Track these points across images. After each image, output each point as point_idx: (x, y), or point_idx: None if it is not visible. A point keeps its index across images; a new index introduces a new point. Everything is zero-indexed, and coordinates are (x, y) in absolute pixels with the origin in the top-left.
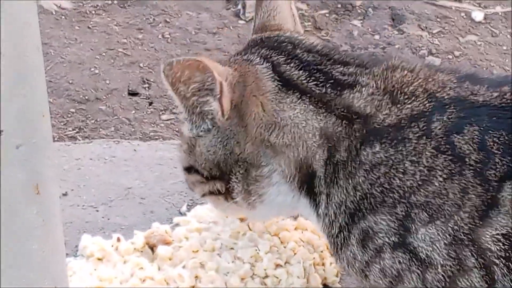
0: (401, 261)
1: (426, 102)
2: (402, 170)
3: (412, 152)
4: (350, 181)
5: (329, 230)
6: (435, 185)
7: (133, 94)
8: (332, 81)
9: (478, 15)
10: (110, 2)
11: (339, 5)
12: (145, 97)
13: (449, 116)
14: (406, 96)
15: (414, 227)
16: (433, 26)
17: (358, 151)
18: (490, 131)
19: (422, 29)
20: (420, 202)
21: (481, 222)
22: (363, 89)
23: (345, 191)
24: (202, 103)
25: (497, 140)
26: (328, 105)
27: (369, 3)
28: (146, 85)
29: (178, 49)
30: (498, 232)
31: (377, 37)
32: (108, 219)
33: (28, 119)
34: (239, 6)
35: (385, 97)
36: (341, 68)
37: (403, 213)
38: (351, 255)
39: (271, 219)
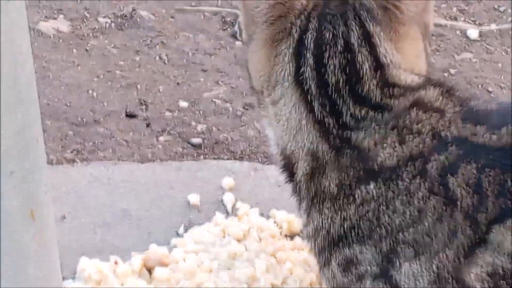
0: None
1: (428, 140)
2: (392, 208)
3: (404, 192)
4: (339, 213)
5: (311, 244)
6: (424, 225)
7: (130, 116)
8: (341, 120)
9: (473, 33)
10: (107, 24)
11: None
12: (142, 118)
13: (447, 156)
14: (411, 135)
15: (398, 262)
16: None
17: (352, 191)
18: (486, 169)
19: None
20: (407, 239)
21: (466, 261)
22: (367, 130)
23: (329, 220)
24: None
25: (492, 180)
26: (327, 133)
27: None
28: (144, 107)
29: (175, 70)
30: (483, 270)
31: None
32: (106, 241)
33: (21, 145)
34: (236, 27)
35: (392, 133)
36: (354, 108)
37: (389, 248)
38: (331, 274)
39: None
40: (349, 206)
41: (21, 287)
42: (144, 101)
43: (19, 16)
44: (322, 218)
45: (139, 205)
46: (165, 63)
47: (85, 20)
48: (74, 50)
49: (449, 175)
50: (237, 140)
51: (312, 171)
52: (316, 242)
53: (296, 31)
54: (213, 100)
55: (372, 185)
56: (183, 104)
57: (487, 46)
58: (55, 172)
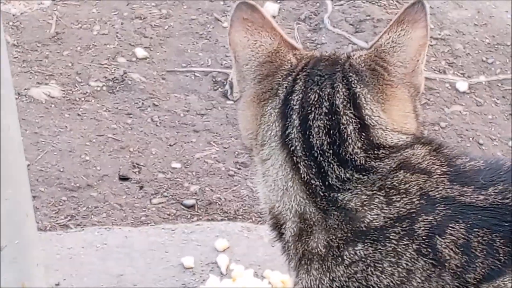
0: None
1: (415, 201)
2: (380, 269)
3: (392, 253)
4: (328, 275)
5: None
6: (413, 285)
7: (123, 179)
8: (327, 182)
9: (462, 86)
10: (98, 88)
11: None
12: (135, 181)
13: (435, 217)
14: (399, 196)
15: None
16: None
17: (340, 251)
18: (475, 229)
19: None
20: None
21: None
22: (354, 192)
23: (318, 281)
24: None
25: (481, 240)
26: (314, 195)
27: None
28: (137, 170)
29: (167, 132)
30: None
31: None
32: None
33: (12, 221)
34: (227, 87)
35: (379, 194)
36: (339, 170)
37: None
38: None
39: None
40: (337, 268)
41: None
42: (137, 164)
43: (7, 89)
44: (310, 279)
45: (133, 270)
46: (157, 125)
47: (76, 84)
48: (66, 115)
49: (437, 236)
50: (231, 200)
51: (299, 232)
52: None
53: (282, 92)
54: (206, 160)
55: (359, 246)
56: (176, 165)
57: (477, 98)
58: (48, 239)
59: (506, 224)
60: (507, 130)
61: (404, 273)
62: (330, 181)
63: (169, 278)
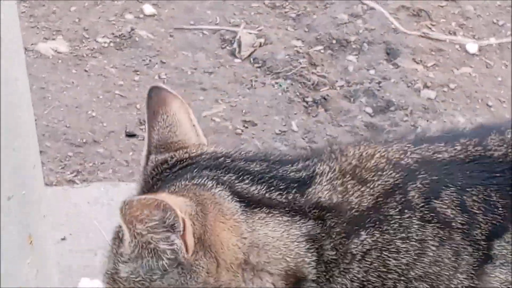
0: None
1: (393, 173)
2: (395, 250)
3: (399, 229)
4: (347, 276)
5: None
6: (430, 255)
7: (130, 135)
8: (293, 184)
9: (472, 47)
10: (106, 44)
11: (334, 41)
12: (142, 138)
13: (423, 182)
14: (371, 173)
15: None
16: (428, 59)
17: (346, 246)
18: (467, 189)
19: (417, 63)
20: (419, 274)
21: (480, 283)
22: (322, 178)
23: (344, 287)
24: (159, 240)
25: (476, 199)
26: (301, 210)
27: (363, 39)
28: (143, 127)
29: (174, 89)
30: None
31: (372, 72)
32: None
33: (19, 171)
34: (235, 45)
35: (346, 178)
36: (292, 167)
37: None
38: None
39: None
40: (351, 265)
41: None
42: (144, 121)
43: (15, 43)
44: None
45: None
46: (164, 83)
47: (83, 40)
48: (73, 71)
49: (434, 200)
50: None
51: (319, 257)
52: None
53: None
54: (213, 118)
55: (363, 235)
56: None
57: (487, 60)
58: (55, 194)
59: (498, 175)
60: None
61: (418, 245)
62: (293, 178)
63: None
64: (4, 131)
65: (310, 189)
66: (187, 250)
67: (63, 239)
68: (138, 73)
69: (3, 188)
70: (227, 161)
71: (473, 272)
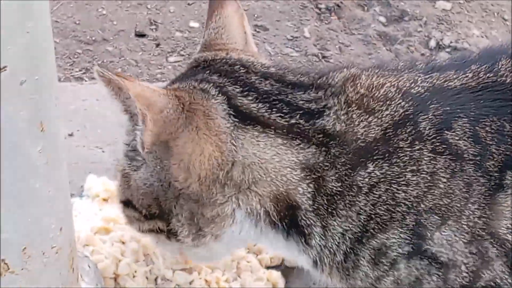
0: (419, 268)
1: (403, 102)
2: (404, 183)
3: (410, 161)
4: (353, 209)
5: (332, 258)
6: (441, 187)
7: (140, 35)
8: (301, 111)
9: None
10: None
11: None
12: (152, 38)
13: (435, 113)
14: (380, 102)
15: (428, 234)
16: None
17: (352, 178)
18: (480, 120)
19: None
20: (429, 206)
21: (492, 212)
22: (331, 111)
23: (349, 219)
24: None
25: (489, 129)
26: (303, 134)
27: None
28: (154, 27)
29: None
30: None
31: None
32: (114, 159)
33: (32, 56)
34: None
35: (352, 108)
36: (304, 95)
37: (414, 222)
38: (363, 274)
39: (223, 258)
40: (357, 198)
41: (26, 203)
42: (154, 21)
43: None
44: (341, 221)
45: None
46: None
47: None
48: None
49: (446, 131)
50: None
51: (316, 187)
52: (339, 249)
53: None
54: None
55: (371, 167)
56: (194, 24)
57: None
58: (63, 90)
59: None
60: None
61: (428, 178)
62: (302, 107)
63: None
64: (15, 12)
65: (318, 121)
66: (142, 148)
67: (71, 135)
68: None
69: (15, 72)
70: (241, 71)
71: (484, 202)
